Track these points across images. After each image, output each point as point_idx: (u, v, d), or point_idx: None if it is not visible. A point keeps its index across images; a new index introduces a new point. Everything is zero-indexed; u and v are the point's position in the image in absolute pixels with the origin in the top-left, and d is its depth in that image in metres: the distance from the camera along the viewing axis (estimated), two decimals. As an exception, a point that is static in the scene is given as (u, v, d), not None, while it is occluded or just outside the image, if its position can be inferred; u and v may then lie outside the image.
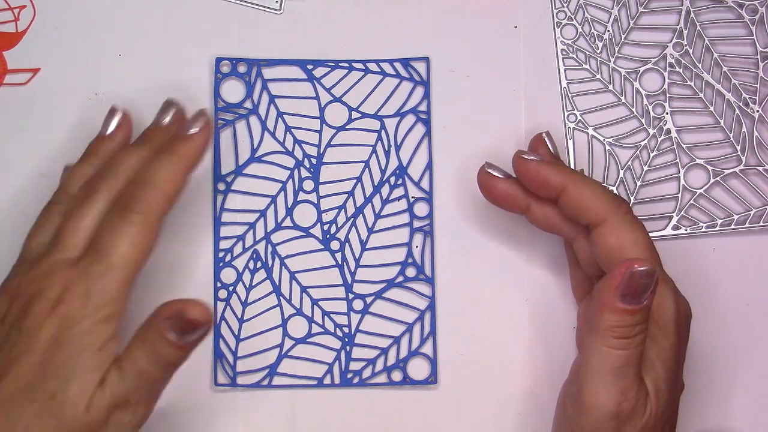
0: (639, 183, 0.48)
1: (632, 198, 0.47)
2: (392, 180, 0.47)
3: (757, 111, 0.48)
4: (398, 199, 0.47)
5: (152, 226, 0.39)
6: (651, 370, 0.39)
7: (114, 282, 0.38)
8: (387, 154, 0.47)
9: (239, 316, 0.47)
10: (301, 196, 0.47)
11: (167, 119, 0.43)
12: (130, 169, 0.41)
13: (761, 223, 0.48)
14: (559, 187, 0.41)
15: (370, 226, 0.47)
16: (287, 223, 0.47)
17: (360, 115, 0.48)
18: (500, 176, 0.44)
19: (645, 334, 0.39)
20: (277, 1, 0.48)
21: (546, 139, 0.45)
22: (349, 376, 0.46)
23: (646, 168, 0.48)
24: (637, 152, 0.48)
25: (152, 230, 0.39)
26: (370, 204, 0.47)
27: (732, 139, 0.48)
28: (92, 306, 0.38)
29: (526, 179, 0.42)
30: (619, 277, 0.38)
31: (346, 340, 0.47)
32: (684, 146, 0.48)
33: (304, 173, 0.47)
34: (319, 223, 0.47)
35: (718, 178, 0.48)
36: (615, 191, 0.47)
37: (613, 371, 0.38)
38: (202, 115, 0.42)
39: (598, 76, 0.48)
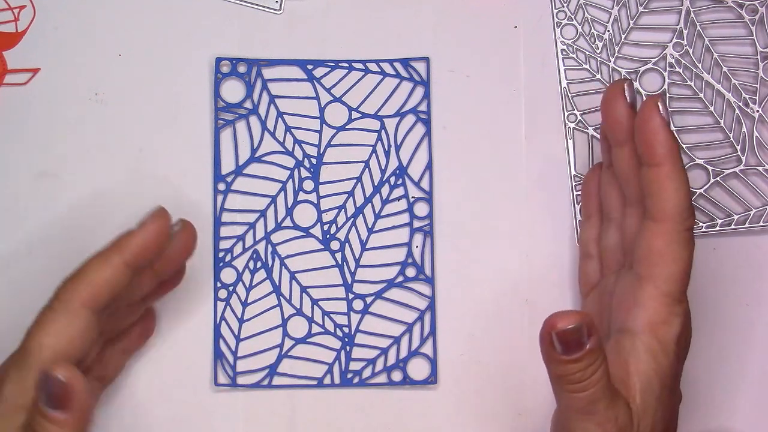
0: (639, 183, 0.48)
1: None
2: (392, 180, 0.47)
3: (757, 111, 0.48)
4: (398, 199, 0.47)
5: (76, 313, 0.38)
6: (647, 387, 0.39)
7: (30, 370, 0.37)
8: (387, 154, 0.47)
9: (239, 316, 0.47)
10: (301, 196, 0.47)
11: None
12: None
13: (761, 223, 0.48)
14: (659, 159, 0.39)
15: (370, 226, 0.47)
16: (287, 223, 0.47)
17: (360, 115, 0.48)
18: (629, 100, 0.41)
19: (603, 368, 0.37)
20: (277, 1, 0.48)
21: (627, 89, 0.41)
22: (349, 376, 0.46)
23: (646, 168, 0.48)
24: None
25: (76, 317, 0.38)
26: (370, 204, 0.47)
27: (732, 139, 0.48)
28: (5, 396, 0.37)
29: (641, 127, 0.39)
30: (547, 337, 0.37)
31: (346, 340, 0.47)
32: (684, 146, 0.48)
33: (304, 173, 0.47)
34: (319, 223, 0.47)
35: (718, 178, 0.48)
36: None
37: (581, 411, 0.37)
38: (159, 212, 0.40)
39: (598, 76, 0.48)
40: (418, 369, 0.47)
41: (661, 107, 0.39)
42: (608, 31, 0.48)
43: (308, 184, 0.47)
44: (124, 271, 0.39)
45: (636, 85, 0.48)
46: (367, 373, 0.46)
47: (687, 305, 0.40)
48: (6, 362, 0.39)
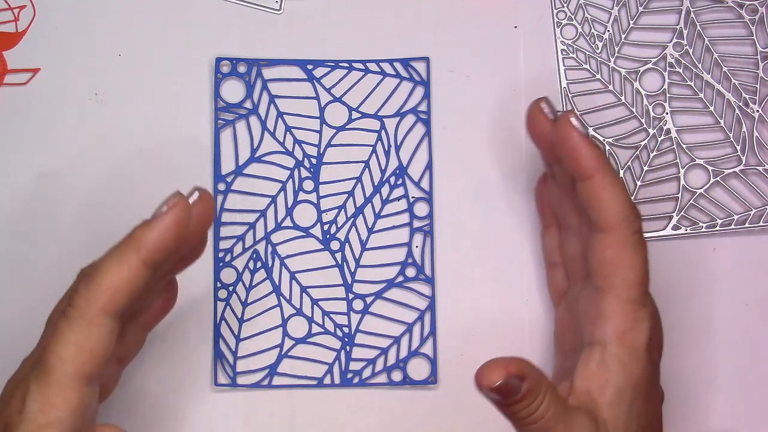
0: (639, 183, 0.48)
1: (632, 198, 0.47)
2: (392, 180, 0.47)
3: (757, 111, 0.48)
4: (398, 199, 0.47)
5: (94, 320, 0.35)
6: (617, 398, 0.38)
7: (51, 386, 0.35)
8: (387, 154, 0.47)
9: (239, 316, 0.47)
10: (301, 196, 0.47)
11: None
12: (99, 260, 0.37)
13: (761, 223, 0.48)
14: (588, 172, 0.39)
15: (370, 226, 0.47)
16: (287, 223, 0.47)
17: (360, 115, 0.48)
18: (550, 118, 0.41)
19: (549, 397, 0.37)
20: (277, 1, 0.48)
21: (546, 107, 0.41)
22: (349, 376, 0.46)
23: (646, 168, 0.48)
24: (637, 152, 0.48)
25: (95, 325, 0.35)
26: (370, 204, 0.47)
27: (732, 139, 0.48)
28: (28, 413, 0.35)
29: (562, 147, 0.39)
30: (480, 390, 0.36)
31: (346, 340, 0.47)
32: (684, 146, 0.48)
33: (304, 173, 0.47)
34: (319, 223, 0.47)
35: (718, 178, 0.48)
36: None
37: None
38: (174, 195, 0.37)
39: (598, 76, 0.48)
40: (418, 369, 0.47)
41: (574, 121, 0.39)
42: (608, 31, 0.48)
43: (308, 184, 0.47)
44: (143, 271, 0.36)
45: (636, 84, 0.48)
46: (367, 373, 0.46)
47: (652, 305, 0.40)
48: (22, 372, 0.38)
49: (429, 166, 0.47)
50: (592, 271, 0.40)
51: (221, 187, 0.47)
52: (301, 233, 0.47)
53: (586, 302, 0.40)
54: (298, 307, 0.47)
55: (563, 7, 0.48)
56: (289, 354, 0.46)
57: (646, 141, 0.48)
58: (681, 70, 0.48)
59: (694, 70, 0.48)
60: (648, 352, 0.39)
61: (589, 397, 0.38)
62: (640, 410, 0.39)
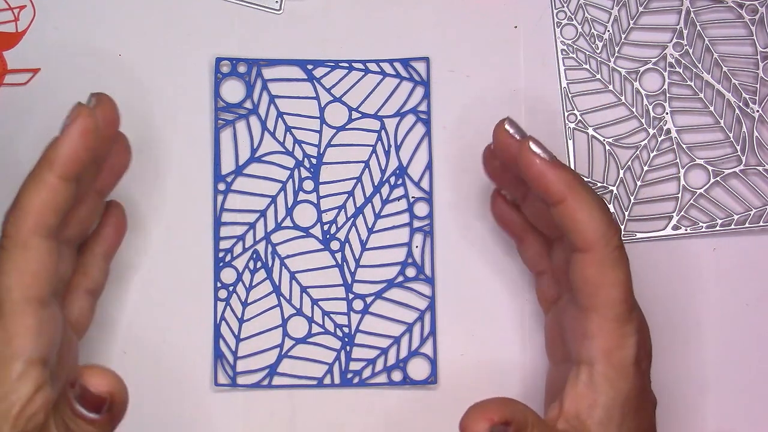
0: (639, 183, 0.48)
1: (632, 198, 0.47)
2: (392, 180, 0.47)
3: (757, 111, 0.48)
4: (398, 199, 0.47)
5: (27, 243, 0.36)
6: (606, 418, 0.38)
7: (5, 317, 0.36)
8: (387, 154, 0.47)
9: (239, 316, 0.47)
10: (301, 196, 0.47)
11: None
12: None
13: (761, 223, 0.48)
14: (558, 197, 0.38)
15: (370, 226, 0.47)
16: (287, 223, 0.47)
17: (360, 115, 0.48)
18: (517, 138, 0.41)
19: None
20: (277, 1, 0.48)
21: (510, 127, 0.40)
22: (349, 376, 0.46)
23: (646, 168, 0.48)
24: (637, 152, 0.48)
25: (29, 248, 0.36)
26: (370, 204, 0.47)
27: (732, 139, 0.48)
28: None
29: (527, 175, 0.39)
30: None
31: (346, 340, 0.47)
32: (684, 146, 0.48)
33: (304, 173, 0.47)
34: (319, 223, 0.47)
35: (718, 178, 0.48)
36: (615, 191, 0.47)
37: None
38: (75, 107, 0.38)
39: (598, 76, 0.48)
40: (418, 369, 0.47)
41: (534, 147, 0.38)
42: (608, 31, 0.48)
43: (308, 184, 0.47)
44: (62, 186, 0.37)
45: (636, 84, 0.48)
46: (367, 373, 0.46)
47: (638, 317, 0.39)
48: None
49: (429, 166, 0.47)
50: (574, 290, 0.39)
51: (221, 187, 0.47)
52: (301, 233, 0.47)
53: (571, 320, 0.40)
54: (298, 307, 0.47)
55: (563, 7, 0.48)
56: (289, 354, 0.46)
57: (646, 141, 0.48)
58: (681, 70, 0.48)
59: (694, 70, 0.48)
60: (636, 365, 0.38)
61: (578, 419, 0.38)
62: (630, 426, 0.38)
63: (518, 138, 0.40)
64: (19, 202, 0.37)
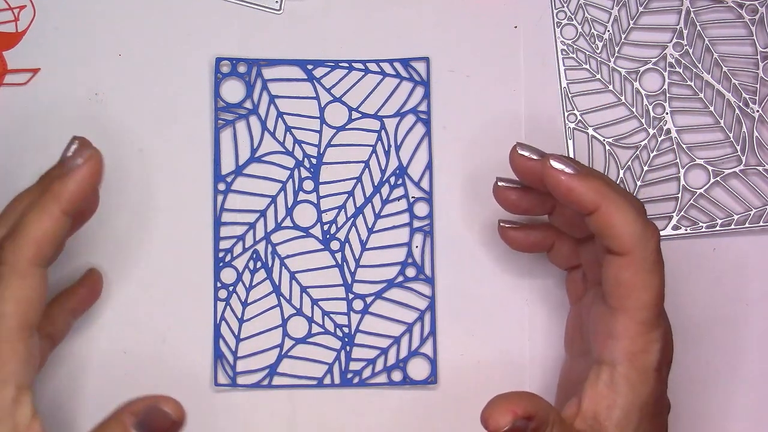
0: (639, 183, 0.48)
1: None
2: (392, 180, 0.47)
3: (757, 111, 0.48)
4: (398, 199, 0.47)
5: (25, 272, 0.37)
6: (624, 420, 0.38)
7: (1, 345, 0.36)
8: (387, 154, 0.47)
9: (239, 316, 0.47)
10: (301, 196, 0.47)
11: (68, 154, 0.39)
12: (19, 213, 0.38)
13: (761, 223, 0.48)
14: (591, 207, 0.38)
15: (370, 226, 0.47)
16: (287, 223, 0.47)
17: (360, 115, 0.48)
18: (514, 187, 0.42)
19: (557, 429, 0.37)
20: (277, 1, 0.48)
21: (524, 152, 0.40)
22: (349, 376, 0.46)
23: (646, 168, 0.48)
24: (637, 152, 0.48)
25: (27, 276, 0.37)
26: (370, 204, 0.47)
27: (732, 139, 0.48)
28: None
29: (556, 193, 0.39)
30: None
31: (346, 340, 0.47)
32: (684, 146, 0.48)
33: (304, 173, 0.47)
34: (319, 223, 0.47)
35: (718, 178, 0.48)
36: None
37: None
38: (84, 147, 0.39)
39: (598, 76, 0.48)
40: (418, 369, 0.47)
41: (556, 164, 0.38)
42: (608, 31, 0.48)
43: (308, 184, 0.47)
44: (63, 220, 0.37)
45: (636, 84, 0.48)
46: (367, 373, 0.46)
47: (665, 323, 0.39)
48: None
49: (429, 166, 0.47)
50: (605, 290, 0.39)
51: (221, 187, 0.47)
52: (301, 233, 0.47)
53: (597, 318, 0.40)
54: (298, 307, 0.47)
55: (563, 7, 0.48)
56: (289, 354, 0.46)
57: (646, 141, 0.48)
58: (681, 70, 0.48)
59: (694, 70, 0.48)
60: (658, 371, 0.39)
61: (596, 419, 0.38)
62: (646, 430, 0.39)
63: (535, 158, 0.40)
64: (22, 231, 0.37)
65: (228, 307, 0.47)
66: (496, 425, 0.35)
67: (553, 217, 0.44)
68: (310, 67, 0.48)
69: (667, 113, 0.48)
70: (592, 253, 0.42)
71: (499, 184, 0.43)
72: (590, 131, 0.48)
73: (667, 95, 0.48)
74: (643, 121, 0.48)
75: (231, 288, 0.47)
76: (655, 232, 0.38)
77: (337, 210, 0.47)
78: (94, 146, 0.39)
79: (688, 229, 0.47)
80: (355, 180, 0.47)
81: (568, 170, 0.38)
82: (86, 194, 0.38)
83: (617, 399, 0.38)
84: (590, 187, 0.38)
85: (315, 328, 0.47)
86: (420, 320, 0.47)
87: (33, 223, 0.37)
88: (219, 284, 0.47)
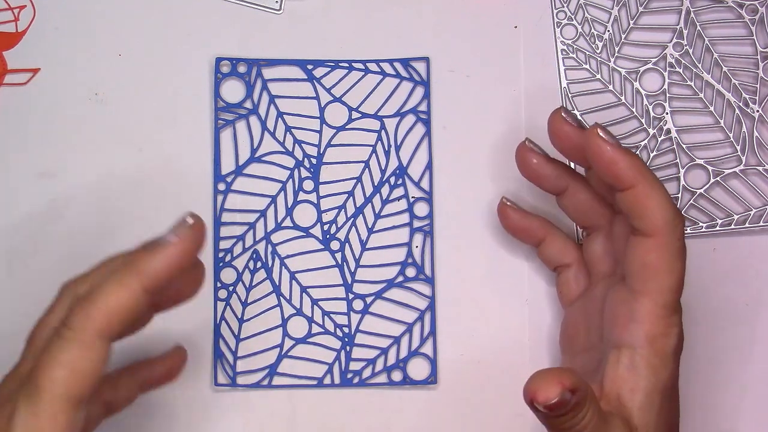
0: (639, 183, 0.48)
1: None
2: (392, 180, 0.47)
3: (757, 111, 0.48)
4: (398, 199, 0.47)
5: (89, 343, 0.34)
6: (647, 403, 0.38)
7: (42, 408, 0.34)
8: (387, 154, 0.47)
9: (239, 316, 0.47)
10: (301, 196, 0.47)
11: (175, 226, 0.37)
12: (101, 276, 0.37)
13: (761, 223, 0.48)
14: (629, 182, 0.38)
15: (370, 226, 0.47)
16: (287, 223, 0.47)
17: (360, 115, 0.48)
18: (539, 153, 0.42)
19: (592, 408, 0.36)
20: (277, 1, 0.48)
21: (567, 116, 0.40)
22: (349, 376, 0.46)
23: (646, 168, 0.48)
24: (637, 152, 0.48)
25: (90, 348, 0.34)
26: (370, 204, 0.47)
27: (732, 139, 0.48)
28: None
29: (596, 162, 0.39)
30: (529, 404, 0.36)
31: (346, 340, 0.47)
32: (684, 146, 0.48)
33: (304, 173, 0.47)
34: (319, 223, 0.47)
35: (718, 178, 0.48)
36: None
37: None
38: (183, 224, 0.36)
39: (598, 76, 0.48)
40: (418, 369, 0.47)
41: (602, 134, 0.38)
42: (608, 31, 0.48)
43: (308, 184, 0.47)
44: (142, 297, 0.35)
45: (636, 84, 0.48)
46: (367, 373, 0.46)
47: (681, 314, 0.40)
48: (6, 388, 0.37)
49: (429, 166, 0.47)
50: (628, 274, 0.39)
51: (221, 187, 0.47)
52: (301, 233, 0.47)
53: (616, 303, 0.40)
54: (298, 307, 0.47)
55: (563, 7, 0.48)
56: (289, 354, 0.46)
57: (646, 141, 0.48)
58: (681, 70, 0.48)
59: (694, 70, 0.48)
60: (675, 355, 0.39)
61: (619, 401, 0.38)
62: (666, 414, 0.39)
63: (575, 125, 0.40)
64: (96, 300, 0.35)
65: (228, 307, 0.47)
66: (545, 397, 0.35)
67: (563, 199, 0.44)
68: (310, 67, 0.48)
69: (667, 113, 0.48)
70: (601, 246, 0.43)
71: (527, 143, 0.43)
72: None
73: (667, 95, 0.48)
74: (643, 121, 0.48)
75: (231, 288, 0.47)
76: (683, 219, 0.39)
77: (337, 210, 0.47)
78: (198, 226, 0.36)
79: (688, 229, 0.47)
80: (355, 180, 0.47)
81: (612, 141, 0.38)
82: (172, 274, 0.35)
83: (639, 382, 0.38)
84: (632, 163, 0.38)
85: (315, 328, 0.47)
86: (420, 320, 0.47)
87: (109, 293, 0.35)
88: (219, 284, 0.47)
